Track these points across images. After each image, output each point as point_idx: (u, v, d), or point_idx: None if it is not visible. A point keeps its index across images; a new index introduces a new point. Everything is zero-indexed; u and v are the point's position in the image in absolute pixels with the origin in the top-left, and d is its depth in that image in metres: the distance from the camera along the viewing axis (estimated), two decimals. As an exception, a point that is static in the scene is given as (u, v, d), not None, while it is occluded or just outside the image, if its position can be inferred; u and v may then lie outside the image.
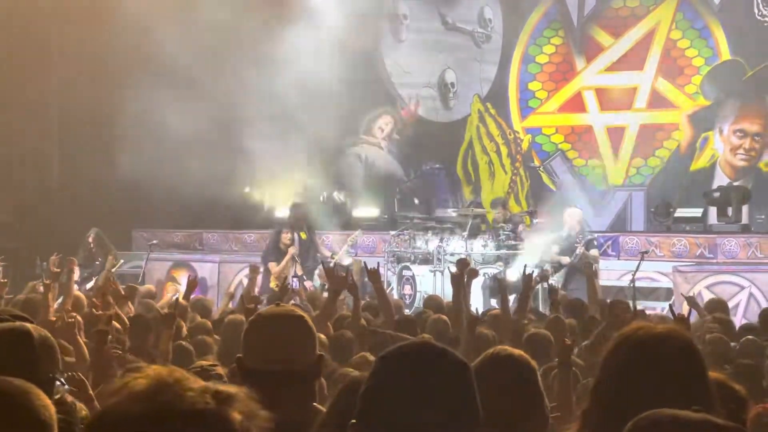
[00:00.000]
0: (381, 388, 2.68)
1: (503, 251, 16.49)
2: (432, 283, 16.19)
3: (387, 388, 2.67)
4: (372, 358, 6.54)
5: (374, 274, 9.38)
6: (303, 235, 17.08)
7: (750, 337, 8.91)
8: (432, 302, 11.81)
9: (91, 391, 5.28)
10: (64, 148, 21.01)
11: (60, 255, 14.44)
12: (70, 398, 4.56)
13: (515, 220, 17.34)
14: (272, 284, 15.95)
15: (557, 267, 15.95)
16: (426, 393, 2.63)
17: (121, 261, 17.10)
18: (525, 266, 11.14)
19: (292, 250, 16.96)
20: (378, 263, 11.81)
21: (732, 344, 8.78)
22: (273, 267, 16.82)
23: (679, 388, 2.80)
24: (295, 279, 16.20)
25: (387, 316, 9.16)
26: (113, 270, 14.45)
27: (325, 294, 12.31)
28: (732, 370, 7.05)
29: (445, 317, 9.17)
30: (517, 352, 4.12)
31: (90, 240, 17.64)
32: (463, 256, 14.21)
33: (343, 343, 8.07)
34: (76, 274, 14.01)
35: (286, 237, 16.96)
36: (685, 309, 10.69)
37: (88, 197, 18.59)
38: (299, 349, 3.54)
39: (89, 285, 16.00)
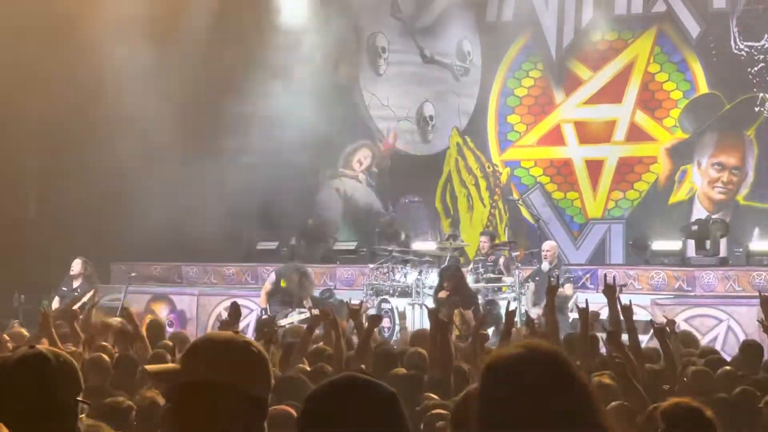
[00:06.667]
0: (312, 427, 2.71)
1: (482, 284, 16.48)
2: (411, 316, 16.13)
3: (317, 426, 2.70)
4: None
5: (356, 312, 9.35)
6: (283, 284, 16.77)
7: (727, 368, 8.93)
8: (419, 338, 11.29)
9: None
10: (42, 180, 20.90)
11: None
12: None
13: (496, 254, 17.28)
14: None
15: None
16: (356, 428, 2.67)
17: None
18: (508, 302, 11.16)
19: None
20: (362, 301, 11.58)
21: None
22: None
23: (546, 404, 2.76)
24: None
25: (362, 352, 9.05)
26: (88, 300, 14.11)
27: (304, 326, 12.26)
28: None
29: (422, 350, 9.06)
30: None
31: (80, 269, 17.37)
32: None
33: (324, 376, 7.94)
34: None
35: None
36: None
37: (65, 230, 18.47)
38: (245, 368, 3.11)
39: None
